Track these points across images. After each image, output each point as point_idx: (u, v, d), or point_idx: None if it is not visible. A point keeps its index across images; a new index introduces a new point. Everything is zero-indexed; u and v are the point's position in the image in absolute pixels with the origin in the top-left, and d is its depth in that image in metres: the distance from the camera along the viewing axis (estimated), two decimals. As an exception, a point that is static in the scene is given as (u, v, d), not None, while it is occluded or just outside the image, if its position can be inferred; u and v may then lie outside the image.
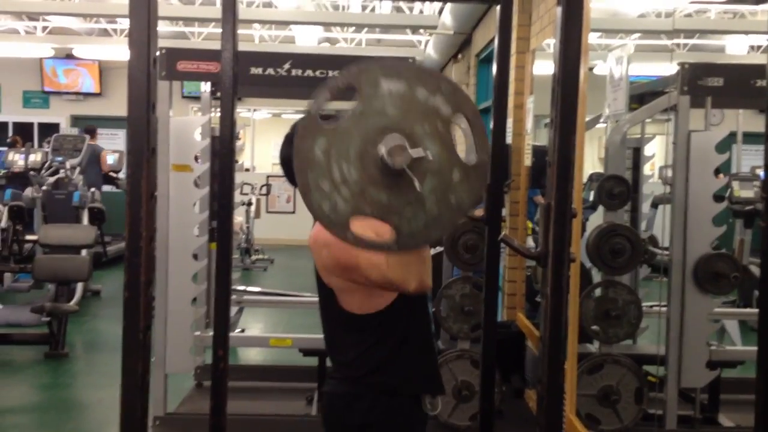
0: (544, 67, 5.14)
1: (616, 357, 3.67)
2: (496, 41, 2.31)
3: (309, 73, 3.74)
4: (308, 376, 4.51)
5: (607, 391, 3.65)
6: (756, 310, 5.22)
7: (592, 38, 5.24)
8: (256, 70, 3.83)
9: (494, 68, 2.45)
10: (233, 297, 4.40)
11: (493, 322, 2.30)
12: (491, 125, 2.53)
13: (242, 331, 6.03)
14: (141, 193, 1.47)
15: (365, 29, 10.56)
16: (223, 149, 2.33)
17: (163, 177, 3.73)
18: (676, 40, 8.14)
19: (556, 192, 1.50)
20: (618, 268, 3.65)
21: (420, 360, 2.00)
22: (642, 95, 4.63)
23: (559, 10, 1.51)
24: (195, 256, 3.85)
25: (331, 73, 3.76)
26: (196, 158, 3.87)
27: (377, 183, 1.41)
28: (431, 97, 1.41)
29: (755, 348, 4.05)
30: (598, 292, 3.69)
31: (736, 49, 8.75)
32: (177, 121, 3.85)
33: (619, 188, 3.64)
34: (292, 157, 2.03)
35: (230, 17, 2.38)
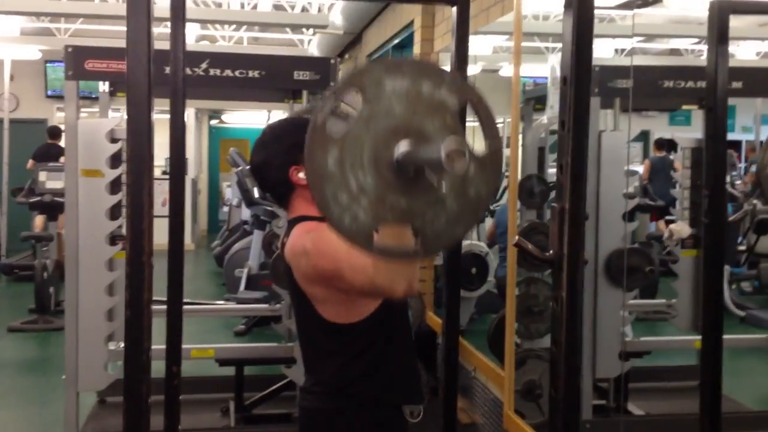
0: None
1: (538, 352, 3.76)
2: (452, 42, 2.30)
3: (228, 72, 3.60)
4: (222, 387, 4.36)
5: (530, 386, 3.73)
6: (655, 301, 5.41)
7: (499, 40, 5.34)
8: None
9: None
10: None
11: (455, 323, 2.27)
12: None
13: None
14: (143, 204, 1.35)
15: (244, 27, 10.27)
16: (175, 153, 2.21)
17: (72, 182, 3.50)
18: (547, 44, 8.43)
19: (570, 195, 1.50)
20: (539, 265, 3.73)
21: (401, 369, 1.95)
22: (543, 96, 4.77)
23: (568, 12, 1.51)
24: (108, 266, 3.64)
25: (251, 73, 3.65)
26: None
27: (394, 187, 1.33)
28: (436, 90, 1.33)
29: (664, 338, 4.23)
30: (520, 288, 3.77)
31: (602, 52, 9.22)
32: (86, 123, 3.62)
33: (540, 187, 3.73)
34: (266, 163, 1.93)
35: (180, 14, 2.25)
